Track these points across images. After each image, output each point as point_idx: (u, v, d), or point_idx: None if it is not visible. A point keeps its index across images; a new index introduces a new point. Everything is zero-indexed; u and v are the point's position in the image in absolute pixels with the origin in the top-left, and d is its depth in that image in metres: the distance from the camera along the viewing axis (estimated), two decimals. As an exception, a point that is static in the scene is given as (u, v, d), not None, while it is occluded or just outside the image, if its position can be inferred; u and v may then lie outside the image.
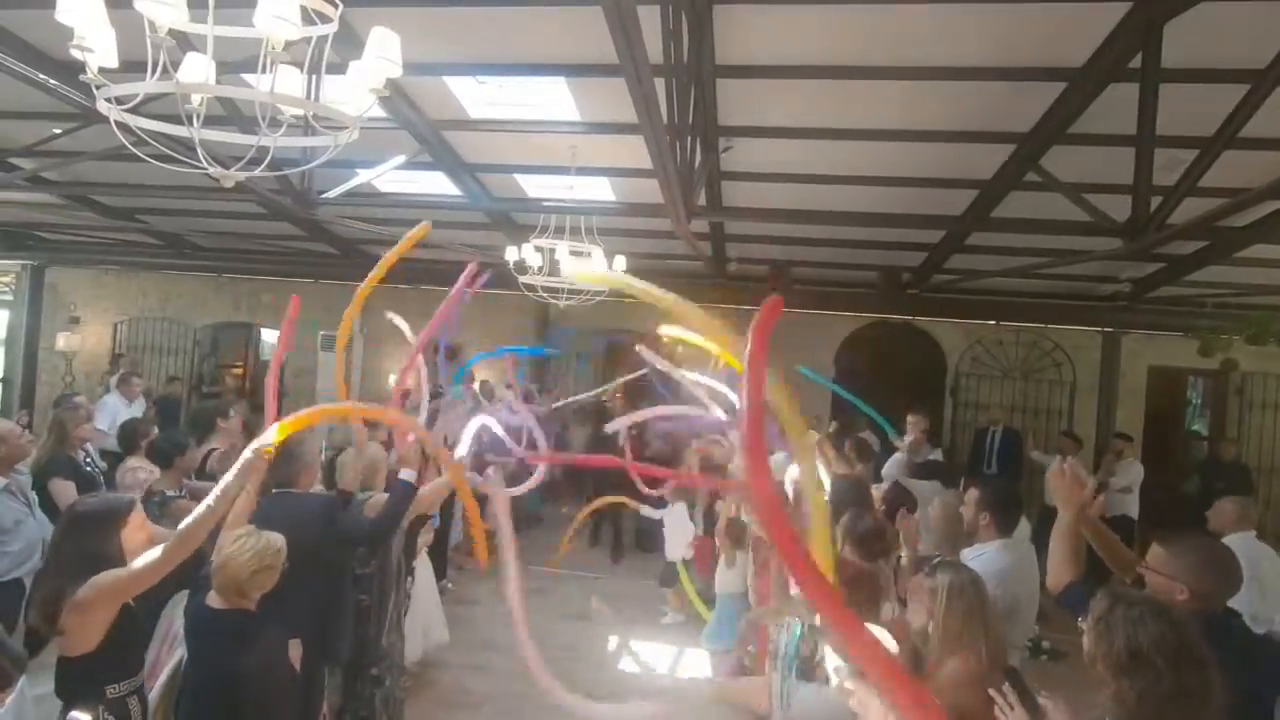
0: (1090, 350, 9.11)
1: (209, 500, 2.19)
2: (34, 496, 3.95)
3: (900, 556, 3.15)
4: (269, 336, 11.91)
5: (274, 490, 3.07)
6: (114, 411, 6.73)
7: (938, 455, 6.08)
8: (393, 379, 5.23)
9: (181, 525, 2.20)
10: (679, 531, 5.45)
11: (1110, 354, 8.97)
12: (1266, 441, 8.96)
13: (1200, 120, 4.23)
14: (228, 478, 2.23)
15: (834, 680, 1.80)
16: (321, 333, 10.72)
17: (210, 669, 2.36)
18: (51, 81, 4.52)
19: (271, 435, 2.26)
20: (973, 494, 3.19)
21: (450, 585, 5.69)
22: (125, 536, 2.31)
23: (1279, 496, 8.81)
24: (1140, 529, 6.67)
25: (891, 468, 5.43)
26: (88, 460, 4.53)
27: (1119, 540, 2.81)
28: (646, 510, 5.49)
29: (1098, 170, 5.14)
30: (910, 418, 6.07)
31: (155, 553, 2.20)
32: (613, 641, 5.37)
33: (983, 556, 2.95)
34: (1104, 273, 7.85)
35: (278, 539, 2.41)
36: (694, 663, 5.13)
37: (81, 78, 2.20)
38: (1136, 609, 1.70)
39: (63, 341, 11.11)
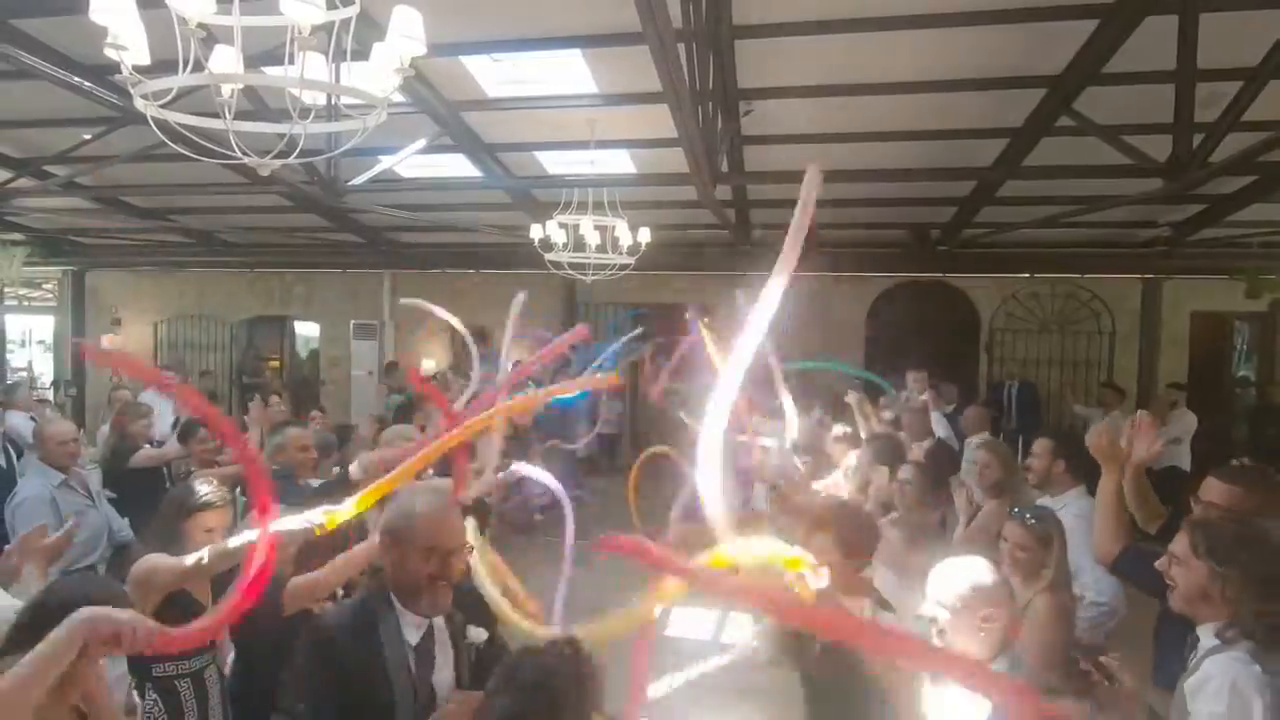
0: (1130, 298, 8.88)
1: (237, 543, 2.11)
2: (97, 489, 4.13)
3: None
4: (302, 329, 12.15)
5: None
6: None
7: (948, 409, 6.09)
8: (426, 364, 5.29)
9: (219, 547, 2.18)
10: None
11: (1151, 301, 8.74)
12: (1318, 384, 8.69)
13: (1243, 50, 4.05)
14: (291, 528, 1.98)
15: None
16: (353, 321, 10.92)
17: None
18: (86, 84, 4.61)
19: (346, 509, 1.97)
20: (1044, 443, 3.23)
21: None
22: (189, 529, 2.32)
23: (1332, 439, 8.55)
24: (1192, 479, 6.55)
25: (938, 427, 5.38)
26: None
27: (1153, 493, 2.78)
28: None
29: (1135, 110, 4.97)
30: (911, 374, 6.04)
31: (194, 556, 2.19)
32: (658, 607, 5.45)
33: (1068, 506, 3.00)
34: (1143, 218, 7.61)
35: None
36: (738, 626, 5.20)
37: (115, 78, 2.25)
38: (1239, 535, 1.74)
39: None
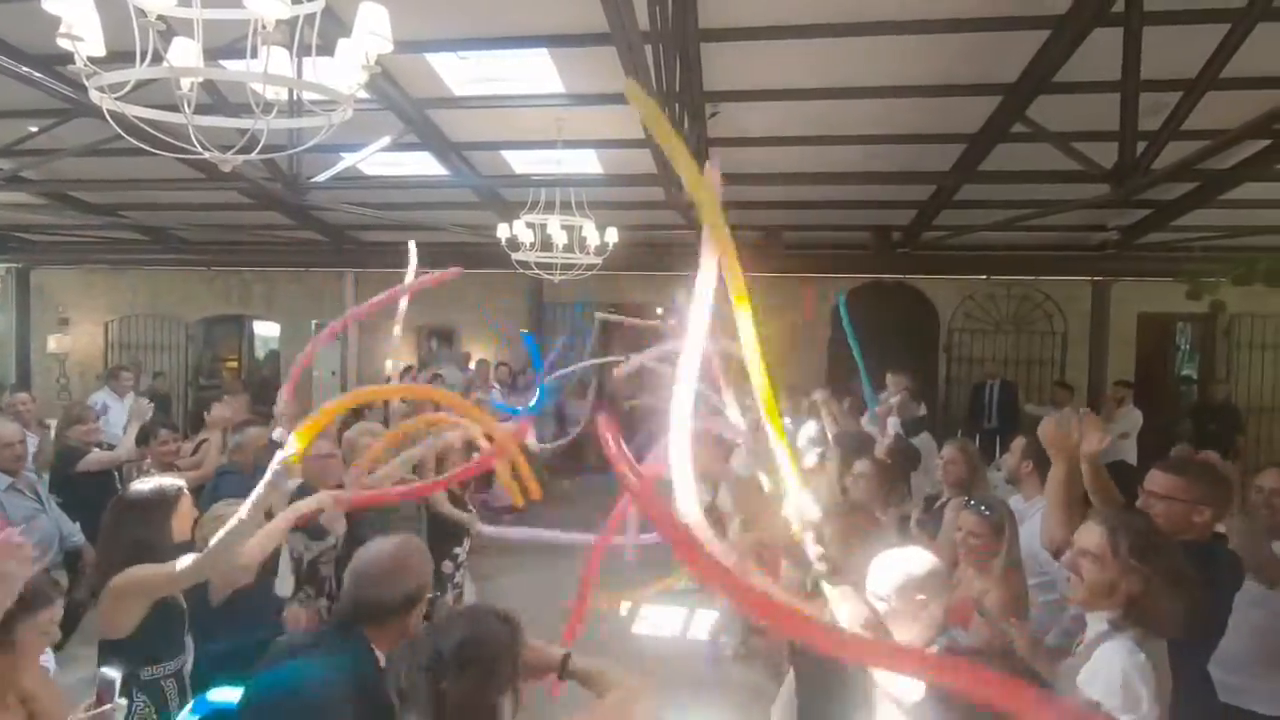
0: (1081, 300, 9.20)
1: (240, 514, 2.06)
2: (45, 493, 3.99)
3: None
4: (261, 329, 11.87)
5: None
6: (105, 407, 6.79)
7: (922, 411, 6.21)
8: (389, 364, 5.24)
9: (214, 540, 2.11)
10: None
11: (1100, 303, 9.06)
12: (1255, 382, 9.10)
13: (1184, 63, 4.24)
14: (257, 491, 2.04)
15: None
16: (315, 321, 10.71)
17: None
18: (35, 75, 4.45)
19: (292, 444, 1.99)
20: (1019, 442, 3.21)
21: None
22: (179, 517, 2.35)
23: (1269, 436, 8.97)
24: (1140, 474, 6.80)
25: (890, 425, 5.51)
26: None
27: (1113, 485, 2.87)
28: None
29: (1084, 118, 5.16)
30: (890, 377, 6.16)
31: (188, 560, 2.16)
32: (625, 605, 5.48)
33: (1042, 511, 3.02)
34: (1093, 222, 7.89)
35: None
36: (704, 624, 5.26)
37: (69, 68, 2.20)
38: (1153, 535, 1.82)
39: (54, 343, 11.05)
